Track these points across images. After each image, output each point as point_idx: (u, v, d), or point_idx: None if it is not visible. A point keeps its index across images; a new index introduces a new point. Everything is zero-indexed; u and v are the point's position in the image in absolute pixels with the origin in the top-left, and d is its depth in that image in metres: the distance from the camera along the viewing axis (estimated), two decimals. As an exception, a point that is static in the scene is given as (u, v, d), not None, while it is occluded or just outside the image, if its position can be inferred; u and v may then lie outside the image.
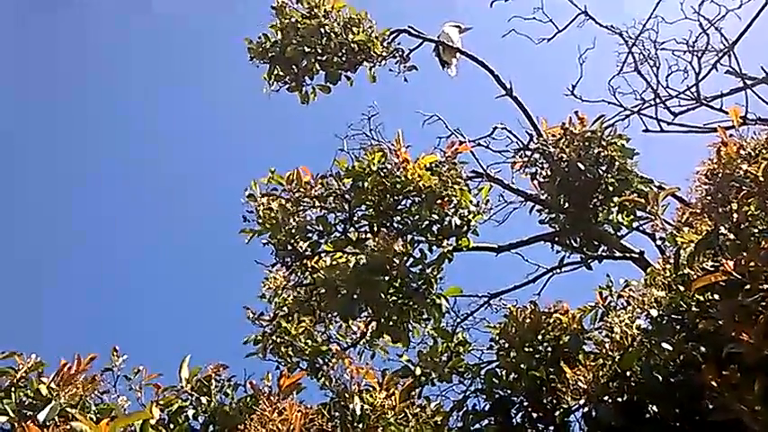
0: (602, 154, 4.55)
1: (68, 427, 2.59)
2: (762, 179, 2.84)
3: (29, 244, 9.18)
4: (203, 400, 3.48)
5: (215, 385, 3.59)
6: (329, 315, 4.75)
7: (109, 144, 9.57)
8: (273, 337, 4.93)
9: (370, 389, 3.40)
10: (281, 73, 5.24)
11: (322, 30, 5.02)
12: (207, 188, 9.21)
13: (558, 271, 5.25)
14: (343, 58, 5.10)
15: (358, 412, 3.24)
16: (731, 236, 2.91)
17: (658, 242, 4.31)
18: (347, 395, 3.36)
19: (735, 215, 2.92)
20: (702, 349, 2.93)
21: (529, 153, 4.89)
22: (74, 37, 9.54)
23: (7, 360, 3.27)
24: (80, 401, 3.01)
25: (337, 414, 3.32)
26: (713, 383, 2.57)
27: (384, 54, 5.15)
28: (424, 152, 4.39)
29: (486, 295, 5.34)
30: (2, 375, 3.23)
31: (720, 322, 2.67)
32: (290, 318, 4.91)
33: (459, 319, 5.10)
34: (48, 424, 2.80)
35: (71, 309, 8.85)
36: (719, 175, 3.08)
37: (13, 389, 3.16)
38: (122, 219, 9.47)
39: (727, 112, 5.12)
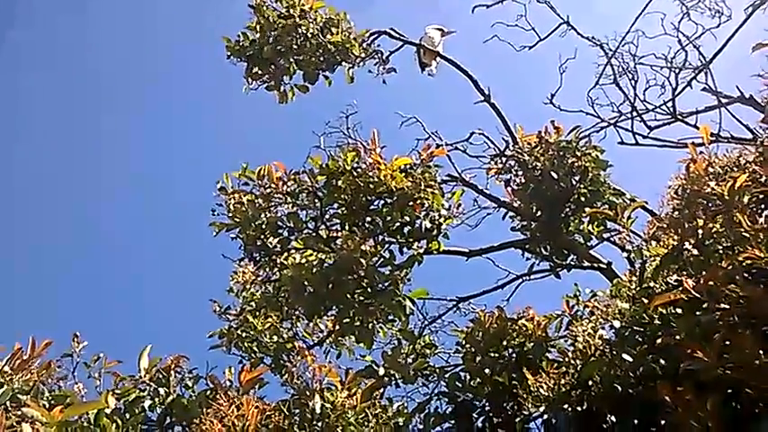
0: (576, 164, 4.59)
1: (19, 413, 2.55)
2: (727, 198, 2.88)
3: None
4: (161, 391, 3.44)
5: (175, 377, 3.55)
6: (296, 312, 4.73)
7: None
8: (239, 332, 4.91)
9: (332, 387, 3.38)
10: (260, 71, 5.20)
11: (299, 30, 4.99)
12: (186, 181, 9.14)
13: (528, 278, 5.28)
14: (321, 59, 5.07)
15: (318, 410, 3.22)
16: (696, 252, 2.94)
17: (626, 254, 4.34)
18: (308, 393, 3.34)
19: (700, 231, 2.95)
20: (662, 362, 2.95)
21: (504, 160, 4.91)
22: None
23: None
24: (33, 387, 2.95)
25: (297, 411, 3.29)
26: (667, 398, 2.58)
27: (363, 56, 5.12)
28: (399, 154, 4.39)
29: (455, 299, 5.36)
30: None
31: (679, 338, 2.70)
32: (257, 313, 4.90)
33: (426, 322, 5.11)
34: (-2, 409, 2.74)
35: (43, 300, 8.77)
36: (688, 191, 3.13)
37: (-36, 372, 3.08)
38: (99, 209, 9.40)
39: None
